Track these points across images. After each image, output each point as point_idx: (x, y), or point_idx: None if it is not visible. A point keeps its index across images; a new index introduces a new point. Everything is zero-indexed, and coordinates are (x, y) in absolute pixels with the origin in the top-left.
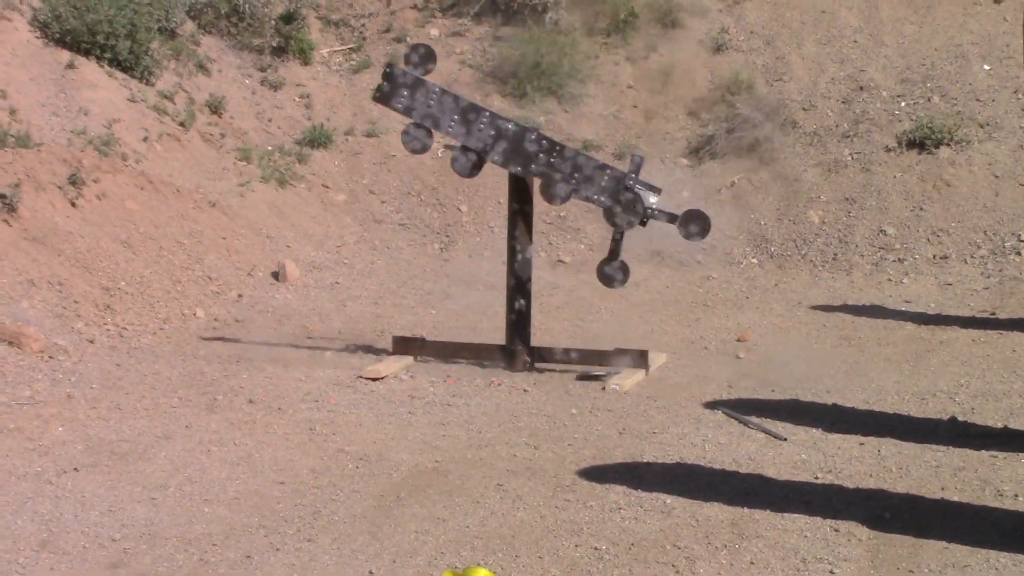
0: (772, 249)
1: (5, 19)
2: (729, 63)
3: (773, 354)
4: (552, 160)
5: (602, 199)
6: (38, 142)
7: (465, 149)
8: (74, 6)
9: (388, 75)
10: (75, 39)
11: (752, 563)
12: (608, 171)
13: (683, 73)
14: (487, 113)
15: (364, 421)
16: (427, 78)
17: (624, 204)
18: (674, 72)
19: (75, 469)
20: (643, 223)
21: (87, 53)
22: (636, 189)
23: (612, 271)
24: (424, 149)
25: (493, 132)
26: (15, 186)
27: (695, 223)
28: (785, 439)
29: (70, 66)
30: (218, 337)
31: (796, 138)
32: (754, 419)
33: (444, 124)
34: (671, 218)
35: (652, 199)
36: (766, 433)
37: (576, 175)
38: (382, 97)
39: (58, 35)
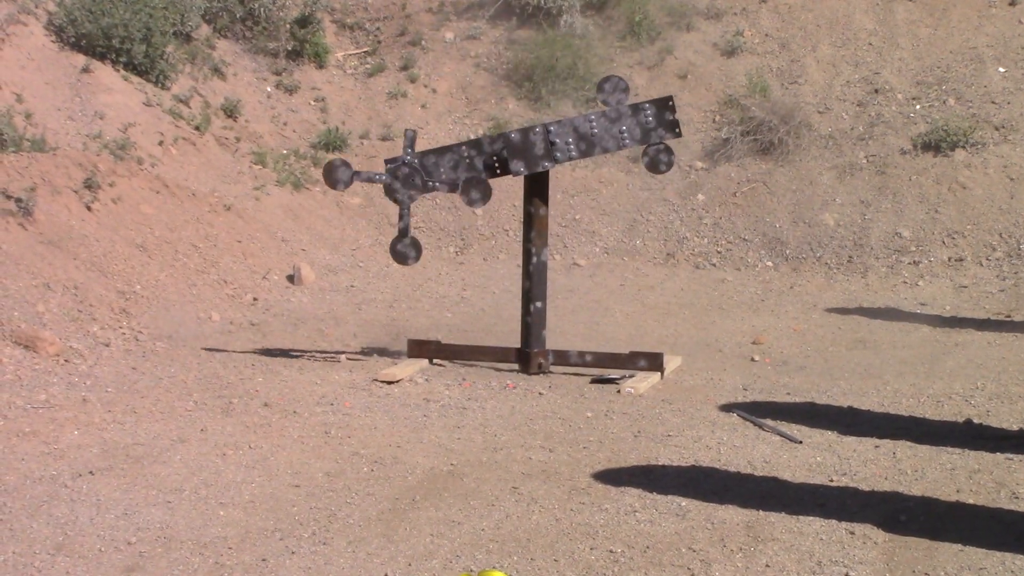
0: (787, 252)
1: (20, 23)
2: (744, 66)
3: (788, 357)
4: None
5: (384, 178)
6: (54, 146)
7: (618, 104)
8: (89, 10)
9: (674, 123)
10: (90, 43)
11: (767, 566)
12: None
13: (698, 76)
14: (574, 156)
15: (379, 424)
16: (636, 144)
17: (402, 179)
18: (689, 75)
19: (90, 472)
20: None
21: (102, 57)
22: (412, 162)
23: (404, 248)
24: (599, 93)
25: (554, 144)
26: (31, 190)
27: (476, 189)
28: (800, 442)
29: (85, 70)
30: (235, 340)
31: (811, 141)
32: (769, 422)
33: (595, 122)
34: (452, 187)
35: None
36: (781, 436)
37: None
38: (663, 102)
39: (73, 39)
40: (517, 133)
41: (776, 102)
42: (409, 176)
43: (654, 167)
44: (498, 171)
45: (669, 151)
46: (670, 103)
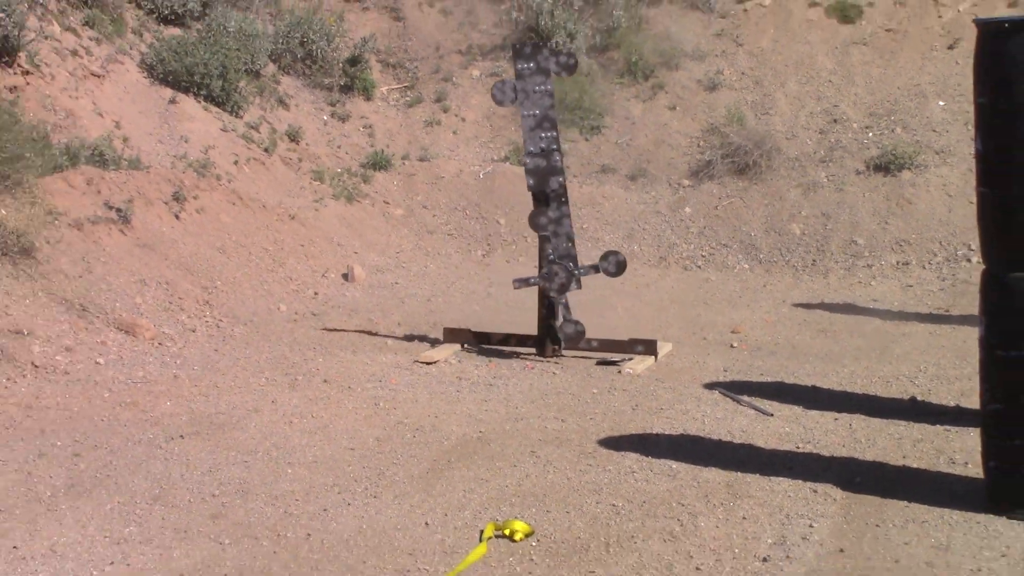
0: (760, 256)
1: (118, 62)
2: (723, 100)
3: (761, 344)
4: (552, 201)
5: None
6: (147, 165)
7: (513, 90)
8: (175, 51)
9: (535, 47)
10: (176, 79)
11: (744, 518)
12: (567, 246)
13: (685, 108)
14: (555, 135)
15: (420, 398)
16: (549, 79)
17: (547, 278)
18: (677, 107)
19: (181, 436)
20: (567, 289)
21: (186, 90)
22: (560, 264)
23: (572, 328)
24: (500, 103)
25: (543, 148)
26: (129, 202)
27: (612, 256)
28: (771, 415)
29: (172, 101)
30: (300, 327)
31: (780, 163)
32: (745, 398)
33: (525, 107)
34: (595, 269)
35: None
36: (756, 410)
37: (554, 225)
38: (516, 53)
39: (162, 75)
40: (530, 178)
41: (751, 130)
42: (551, 274)
43: (570, 70)
44: (561, 197)
45: (557, 53)
46: (515, 47)
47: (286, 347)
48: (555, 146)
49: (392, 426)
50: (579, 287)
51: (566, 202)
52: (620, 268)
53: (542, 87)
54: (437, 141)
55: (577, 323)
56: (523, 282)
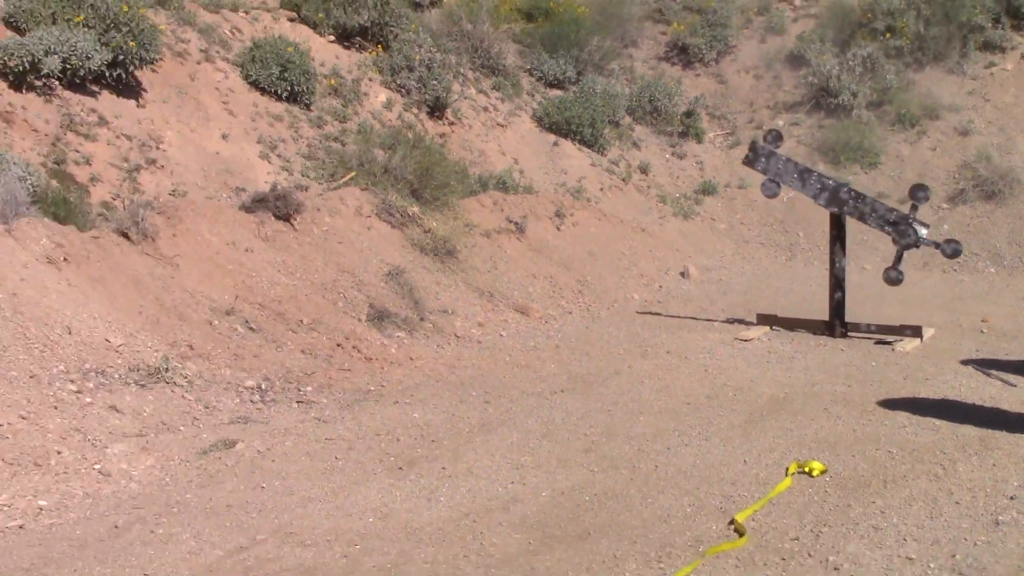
0: (1004, 262)
1: (516, 115)
2: (974, 143)
3: (1006, 330)
4: (857, 204)
5: (888, 230)
6: (536, 190)
7: (771, 181)
8: (557, 107)
9: (753, 148)
10: (558, 127)
11: (994, 465)
12: (895, 212)
13: (943, 149)
14: (816, 173)
15: (739, 366)
16: (777, 151)
17: (899, 234)
18: (937, 148)
19: (561, 391)
20: (916, 246)
21: (565, 136)
22: (913, 224)
23: (895, 274)
24: (774, 195)
25: (819, 186)
26: (524, 217)
27: (951, 244)
28: (1015, 386)
29: (555, 144)
30: (648, 312)
31: (1020, 191)
32: (993, 372)
33: (787, 179)
34: (937, 246)
35: (923, 231)
36: (1002, 381)
37: (873, 213)
38: (748, 161)
39: (548, 125)
40: (831, 208)
41: (996, 166)
42: (905, 232)
43: (779, 139)
44: (859, 196)
45: (765, 137)
46: (744, 160)
47: (638, 326)
48: (823, 177)
49: (718, 387)
50: (928, 239)
51: (864, 195)
52: (955, 253)
53: (782, 162)
54: (752, 173)
55: (900, 272)
56: (880, 227)
